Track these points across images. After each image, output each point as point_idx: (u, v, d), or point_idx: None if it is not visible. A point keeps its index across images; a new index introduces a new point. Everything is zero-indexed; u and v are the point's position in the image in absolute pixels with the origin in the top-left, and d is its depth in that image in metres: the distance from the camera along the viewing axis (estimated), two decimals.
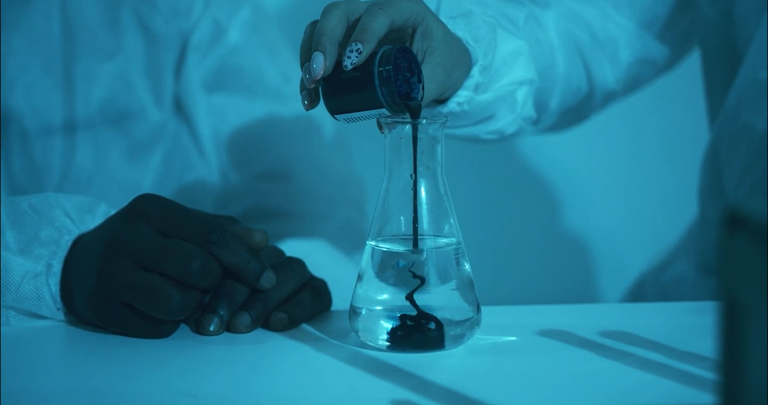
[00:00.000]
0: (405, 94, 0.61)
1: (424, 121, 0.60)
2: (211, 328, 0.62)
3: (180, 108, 0.91)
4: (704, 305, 0.72)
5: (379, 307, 0.60)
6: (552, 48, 0.85)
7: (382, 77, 0.59)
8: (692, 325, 0.65)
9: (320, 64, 0.59)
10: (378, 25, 0.59)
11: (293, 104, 0.92)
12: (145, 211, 0.61)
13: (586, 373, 0.57)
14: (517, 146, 1.36)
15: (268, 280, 0.63)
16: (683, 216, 1.04)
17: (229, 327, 0.63)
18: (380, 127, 0.62)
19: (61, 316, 0.64)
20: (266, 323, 0.64)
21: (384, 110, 0.60)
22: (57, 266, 0.63)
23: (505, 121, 0.77)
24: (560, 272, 1.37)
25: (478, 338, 0.62)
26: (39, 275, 0.63)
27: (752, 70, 0.81)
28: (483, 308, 0.62)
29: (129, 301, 0.60)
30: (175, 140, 0.92)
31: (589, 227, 1.38)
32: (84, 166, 0.88)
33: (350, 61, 0.59)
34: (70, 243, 0.64)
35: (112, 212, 0.65)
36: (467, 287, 0.61)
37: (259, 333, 0.64)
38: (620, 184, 1.38)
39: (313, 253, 0.77)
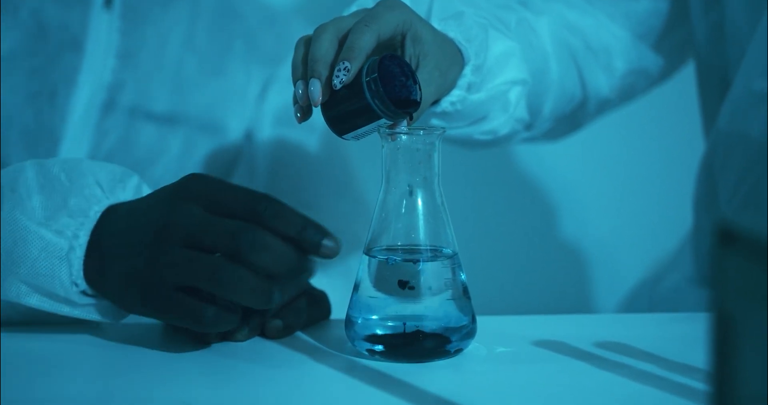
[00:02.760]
0: (405, 99, 0.61)
1: (421, 132, 0.61)
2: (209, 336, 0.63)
3: (249, 133, 0.97)
4: (699, 316, 0.72)
5: (374, 317, 0.61)
6: (545, 53, 0.86)
7: (371, 88, 0.59)
8: (687, 336, 0.65)
9: (318, 91, 0.60)
10: (364, 42, 0.60)
11: (342, 143, 0.95)
12: (192, 192, 0.60)
13: (580, 384, 0.57)
14: (513, 155, 1.36)
15: (330, 248, 0.60)
16: (679, 226, 1.04)
17: (225, 335, 0.63)
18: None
19: (74, 295, 0.61)
20: (262, 331, 0.64)
21: (384, 120, 0.61)
22: (83, 238, 0.61)
23: (498, 122, 0.77)
24: (556, 282, 1.37)
25: (474, 348, 0.62)
26: (60, 251, 0.61)
27: (746, 81, 0.82)
28: (478, 318, 0.62)
29: (194, 283, 0.58)
30: (237, 159, 0.96)
31: (584, 237, 1.39)
32: (162, 154, 0.93)
33: (338, 79, 0.60)
34: (98, 214, 0.62)
35: (144, 187, 0.65)
36: (463, 297, 0.62)
37: (256, 342, 0.64)
38: (616, 194, 1.38)
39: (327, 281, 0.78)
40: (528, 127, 0.87)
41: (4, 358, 0.60)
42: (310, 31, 1.01)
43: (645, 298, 1.02)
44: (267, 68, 0.97)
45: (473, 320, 0.62)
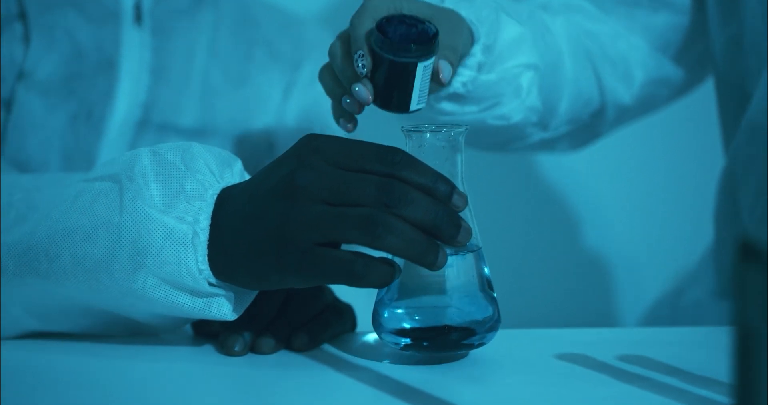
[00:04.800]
0: (424, 38, 0.65)
1: (444, 130, 0.62)
2: (236, 348, 0.63)
3: (271, 141, 0.98)
4: (721, 329, 0.72)
5: (400, 310, 0.61)
6: (559, 50, 0.87)
7: (389, 48, 0.64)
8: (709, 350, 0.65)
9: (363, 90, 0.65)
10: (363, 29, 0.65)
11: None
12: (315, 149, 0.58)
13: (602, 397, 0.57)
14: (535, 166, 1.36)
15: (459, 199, 0.58)
16: (701, 239, 1.04)
17: (253, 348, 0.64)
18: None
19: (201, 283, 0.59)
20: (288, 343, 0.65)
21: (421, 63, 0.64)
22: (204, 222, 0.59)
23: (510, 107, 0.79)
24: (578, 294, 1.37)
25: (497, 361, 0.63)
26: (184, 237, 0.58)
27: (766, 94, 0.82)
28: (501, 331, 0.63)
29: (342, 237, 0.56)
30: (258, 167, 0.98)
31: (607, 249, 1.39)
32: None
33: (361, 66, 0.65)
34: (214, 198, 0.60)
35: (245, 173, 0.64)
36: (487, 290, 0.62)
37: (282, 354, 0.65)
38: (639, 206, 1.38)
39: None
40: (543, 125, 0.88)
41: (4, 371, 0.60)
42: (325, 35, 1.04)
43: (667, 311, 1.02)
44: (286, 74, 0.98)
45: (497, 313, 0.62)
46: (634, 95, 0.93)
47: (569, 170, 1.36)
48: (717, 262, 0.95)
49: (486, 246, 0.64)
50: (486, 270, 0.63)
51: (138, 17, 0.90)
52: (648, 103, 0.96)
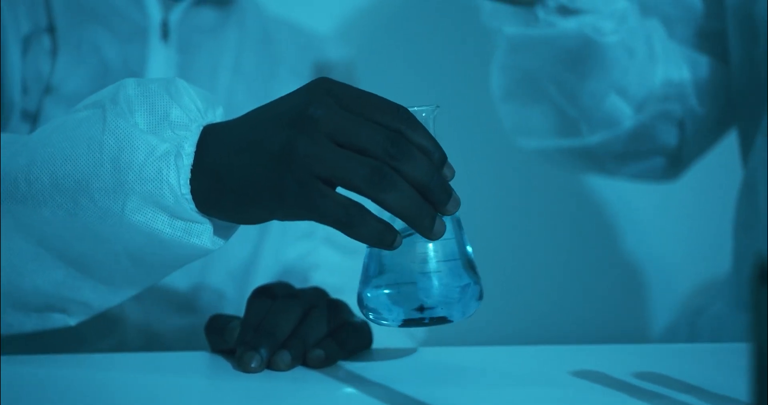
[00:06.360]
0: None
1: (416, 108, 0.61)
2: (252, 365, 0.63)
3: None
4: (740, 347, 0.72)
5: (385, 290, 0.61)
6: (648, 29, 0.93)
7: None
8: (728, 368, 0.65)
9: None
10: None
11: None
12: (329, 89, 0.57)
13: None
14: (570, 176, 1.36)
15: (449, 170, 0.58)
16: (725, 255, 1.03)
17: (269, 364, 0.64)
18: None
19: (183, 203, 0.58)
20: (304, 360, 0.65)
21: None
22: (189, 148, 0.58)
23: (605, 24, 0.88)
24: (606, 309, 1.36)
25: (513, 378, 0.63)
26: (167, 155, 0.58)
27: None
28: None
29: (345, 180, 0.55)
30: None
31: (639, 259, 1.38)
32: None
33: None
34: (200, 129, 0.59)
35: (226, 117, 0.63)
36: (467, 268, 0.61)
37: (298, 370, 0.65)
38: (673, 218, 1.37)
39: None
40: (639, 105, 0.93)
41: (4, 384, 0.60)
42: (345, 52, 1.05)
43: (687, 326, 1.02)
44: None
45: (479, 287, 0.62)
46: (704, 103, 0.96)
47: (606, 186, 1.36)
48: (736, 273, 0.95)
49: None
50: (469, 248, 0.62)
51: (165, 34, 0.90)
52: (714, 118, 0.97)
